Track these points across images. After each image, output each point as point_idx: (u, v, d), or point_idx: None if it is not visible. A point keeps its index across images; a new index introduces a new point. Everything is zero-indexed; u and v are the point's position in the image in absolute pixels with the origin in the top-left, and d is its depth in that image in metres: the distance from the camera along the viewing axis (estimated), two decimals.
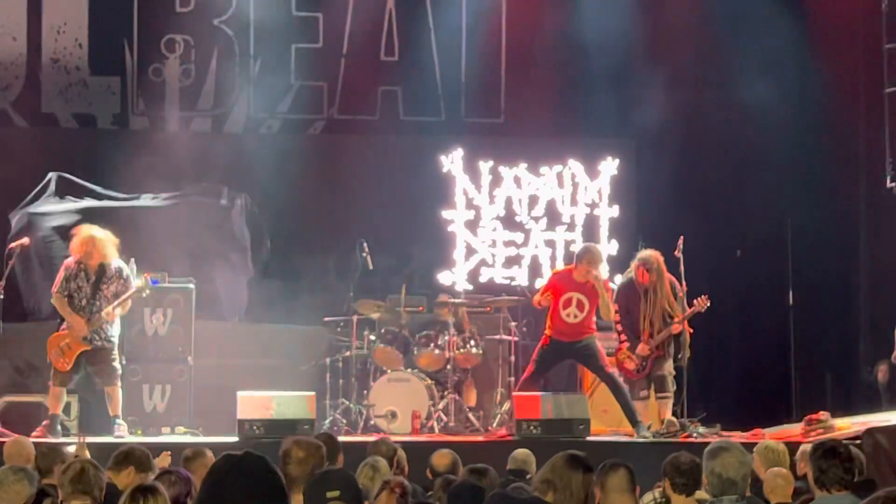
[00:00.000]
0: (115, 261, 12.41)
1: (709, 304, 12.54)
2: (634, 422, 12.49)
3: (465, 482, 7.36)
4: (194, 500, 3.65)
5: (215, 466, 3.56)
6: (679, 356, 12.68)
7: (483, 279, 15.79)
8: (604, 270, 13.39)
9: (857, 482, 6.12)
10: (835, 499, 5.82)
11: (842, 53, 16.15)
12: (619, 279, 13.59)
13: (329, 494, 4.47)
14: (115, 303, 12.30)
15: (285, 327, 15.00)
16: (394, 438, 9.94)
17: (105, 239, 12.35)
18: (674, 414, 12.84)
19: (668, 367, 12.68)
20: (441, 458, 8.77)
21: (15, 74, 16.00)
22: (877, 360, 15.35)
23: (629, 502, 6.28)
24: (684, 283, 12.61)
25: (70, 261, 12.43)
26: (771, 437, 11.44)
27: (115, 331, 12.44)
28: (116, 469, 7.47)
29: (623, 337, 12.81)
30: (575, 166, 15.98)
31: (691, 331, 12.70)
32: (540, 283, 15.57)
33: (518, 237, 15.97)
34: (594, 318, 12.74)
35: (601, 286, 12.57)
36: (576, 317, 12.57)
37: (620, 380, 12.65)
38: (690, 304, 12.64)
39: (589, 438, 12.15)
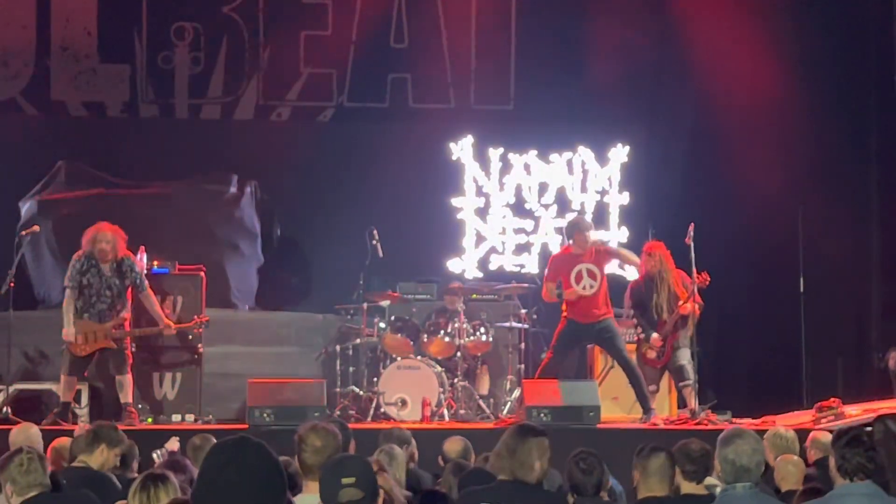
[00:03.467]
0: (126, 255, 12.41)
1: (709, 281, 12.53)
2: (647, 408, 12.50)
3: (476, 469, 7.36)
4: (192, 491, 3.55)
5: (210, 456, 3.47)
6: (689, 336, 12.67)
7: (493, 266, 15.78)
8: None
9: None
10: (857, 487, 5.81)
11: (853, 39, 16.10)
12: (629, 267, 13.56)
13: (344, 481, 4.45)
14: (169, 326, 12.48)
15: (295, 315, 15.02)
16: (404, 426, 9.94)
17: (113, 234, 12.34)
18: (684, 402, 12.84)
19: (686, 356, 12.64)
20: (453, 445, 8.77)
21: (24, 62, 16.01)
22: (888, 346, 15.31)
23: (664, 489, 6.31)
24: (695, 270, 12.58)
25: (79, 252, 12.40)
26: (782, 423, 11.41)
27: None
28: (89, 450, 7.48)
29: (639, 329, 12.83)
30: (585, 153, 15.95)
31: (699, 305, 12.66)
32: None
33: (528, 224, 15.95)
34: (608, 297, 12.70)
35: (605, 246, 12.63)
36: (592, 286, 12.51)
37: (636, 365, 12.63)
38: (700, 293, 12.65)
39: (599, 426, 12.13)
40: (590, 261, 12.57)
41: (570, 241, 12.75)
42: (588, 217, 14.31)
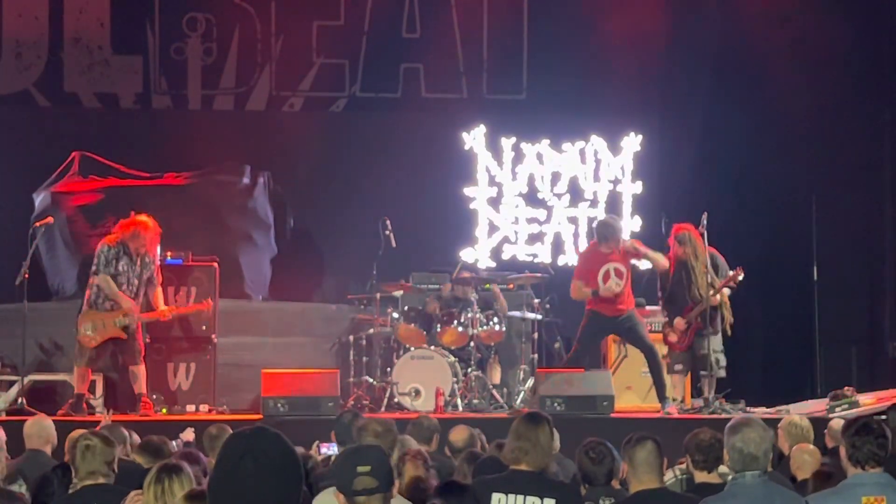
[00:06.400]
0: (155, 252, 12.53)
1: (742, 277, 12.55)
2: (662, 397, 12.50)
3: (490, 457, 7.38)
4: (208, 481, 3.55)
5: (227, 446, 3.47)
6: (723, 324, 12.68)
7: (506, 256, 15.77)
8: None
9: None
10: (869, 476, 5.81)
11: (868, 28, 16.04)
12: None
13: (360, 469, 4.46)
14: (176, 310, 12.52)
15: (309, 305, 15.04)
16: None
17: (157, 230, 12.46)
18: (698, 391, 12.86)
19: (713, 345, 12.62)
20: (458, 434, 8.79)
21: (37, 54, 16.03)
22: None
23: (655, 480, 6.27)
24: (727, 265, 12.61)
25: (111, 238, 12.46)
26: (796, 412, 11.41)
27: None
28: (148, 458, 7.51)
29: (665, 313, 12.88)
30: (597, 142, 15.92)
31: (728, 300, 12.72)
32: (563, 260, 15.63)
33: (541, 214, 15.93)
34: (631, 290, 12.74)
35: (635, 248, 12.59)
36: (618, 285, 12.55)
37: (659, 353, 12.63)
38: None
39: (613, 415, 12.14)
40: (618, 260, 12.58)
41: (601, 242, 12.71)
42: (616, 216, 14.13)
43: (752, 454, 5.72)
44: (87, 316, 12.31)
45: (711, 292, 12.52)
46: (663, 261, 12.71)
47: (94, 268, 12.45)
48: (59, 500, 6.63)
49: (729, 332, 12.79)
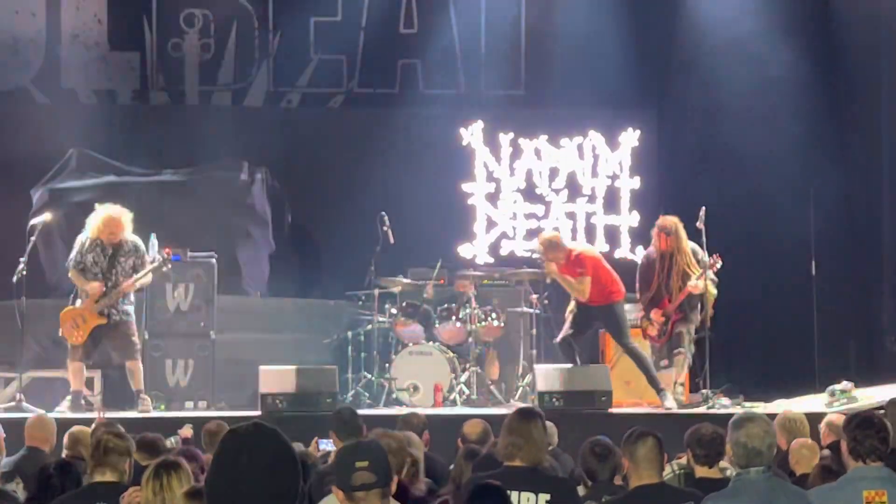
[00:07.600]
0: (131, 237, 12.42)
1: (721, 264, 12.52)
2: (658, 390, 12.48)
3: (489, 454, 7.37)
4: (206, 478, 3.54)
5: (224, 442, 3.47)
6: (702, 314, 12.64)
7: (504, 252, 15.77)
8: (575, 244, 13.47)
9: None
10: (870, 469, 5.81)
11: (865, 20, 16.03)
12: (640, 251, 13.58)
13: (358, 464, 4.46)
14: (136, 276, 12.31)
15: (307, 301, 15.03)
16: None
17: (121, 217, 12.37)
18: (696, 386, 12.83)
19: (688, 328, 12.63)
20: (472, 427, 8.77)
21: (35, 51, 16.02)
22: None
23: (655, 476, 6.27)
24: (706, 253, 12.57)
25: (84, 236, 12.46)
26: (795, 407, 11.40)
27: (130, 305, 12.43)
28: (145, 458, 7.51)
29: (642, 306, 12.85)
30: (595, 138, 15.92)
31: (715, 292, 12.67)
32: None
33: (539, 209, 15.92)
34: (611, 287, 12.72)
35: (558, 276, 12.61)
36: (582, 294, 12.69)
37: (640, 349, 12.62)
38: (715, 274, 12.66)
39: (611, 410, 12.14)
40: (563, 272, 12.68)
41: None
42: (555, 233, 13.85)
43: (756, 449, 5.71)
44: (66, 315, 12.30)
45: (692, 281, 12.48)
46: (581, 296, 12.68)
47: (68, 261, 12.49)
48: (63, 498, 6.61)
49: (708, 324, 12.75)
